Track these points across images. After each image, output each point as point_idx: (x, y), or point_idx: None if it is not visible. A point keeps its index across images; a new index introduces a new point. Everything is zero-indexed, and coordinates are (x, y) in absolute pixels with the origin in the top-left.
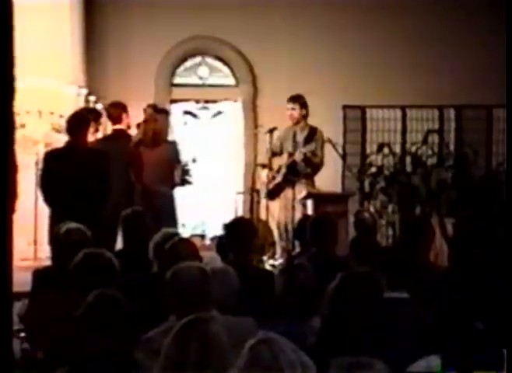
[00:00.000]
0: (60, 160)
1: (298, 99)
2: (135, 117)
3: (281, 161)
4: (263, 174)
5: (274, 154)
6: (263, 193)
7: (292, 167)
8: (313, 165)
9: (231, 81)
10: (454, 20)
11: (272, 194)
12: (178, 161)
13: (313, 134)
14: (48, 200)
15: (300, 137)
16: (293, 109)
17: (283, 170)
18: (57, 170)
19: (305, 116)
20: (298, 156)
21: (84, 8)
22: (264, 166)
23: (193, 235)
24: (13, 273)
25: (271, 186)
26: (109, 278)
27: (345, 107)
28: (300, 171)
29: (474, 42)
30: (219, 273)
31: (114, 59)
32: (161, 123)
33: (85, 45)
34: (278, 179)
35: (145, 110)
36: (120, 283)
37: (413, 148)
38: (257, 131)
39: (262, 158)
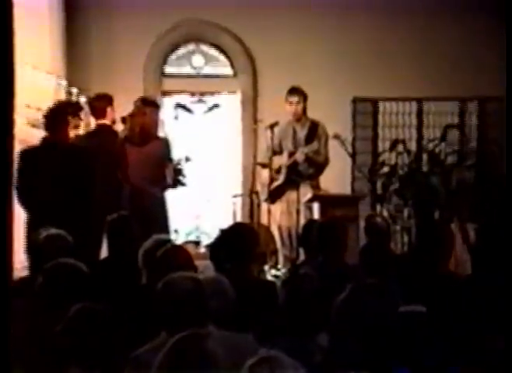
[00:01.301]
0: (37, 159)
1: (300, 91)
2: (121, 111)
3: (281, 160)
4: (263, 174)
5: (273, 152)
6: (263, 196)
7: (293, 168)
8: (317, 164)
9: (228, 71)
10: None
11: (273, 197)
12: (170, 159)
13: (314, 129)
14: (24, 203)
15: (301, 134)
16: (298, 102)
17: (284, 171)
18: (34, 170)
19: (305, 110)
20: (299, 157)
21: None
22: (264, 166)
23: (186, 242)
24: None
25: (271, 187)
26: (80, 293)
27: (354, 100)
28: (303, 172)
29: (500, 27)
30: (212, 283)
31: (98, 46)
32: (150, 117)
33: (66, 31)
34: (280, 180)
35: (135, 104)
36: (105, 295)
37: (430, 145)
38: (257, 127)
39: (262, 156)
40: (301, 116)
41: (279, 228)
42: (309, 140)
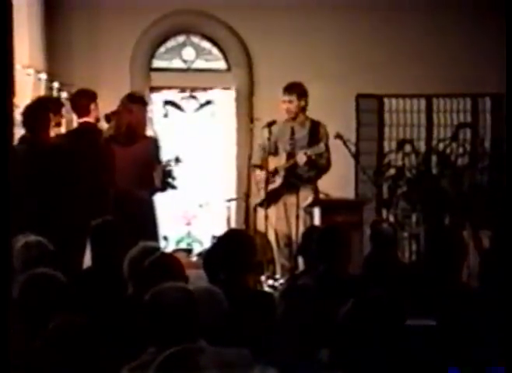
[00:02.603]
0: (15, 159)
1: (295, 89)
2: (106, 109)
3: (276, 161)
4: (258, 177)
5: (267, 153)
6: (258, 200)
7: (292, 170)
8: (319, 167)
9: (222, 65)
10: None
11: (269, 201)
12: (158, 160)
13: (316, 130)
14: None
15: (300, 134)
16: (290, 101)
17: (282, 173)
18: (11, 172)
19: (304, 109)
20: (301, 159)
21: None
22: (261, 167)
23: (177, 250)
24: None
25: (267, 191)
26: (59, 306)
27: (358, 97)
28: (302, 175)
29: None
30: (204, 295)
31: (81, 38)
32: (137, 115)
33: (46, 21)
34: (277, 183)
35: (121, 101)
36: (87, 308)
37: (441, 146)
38: (253, 126)
39: (254, 157)
40: (297, 115)
41: (276, 235)
42: (311, 141)
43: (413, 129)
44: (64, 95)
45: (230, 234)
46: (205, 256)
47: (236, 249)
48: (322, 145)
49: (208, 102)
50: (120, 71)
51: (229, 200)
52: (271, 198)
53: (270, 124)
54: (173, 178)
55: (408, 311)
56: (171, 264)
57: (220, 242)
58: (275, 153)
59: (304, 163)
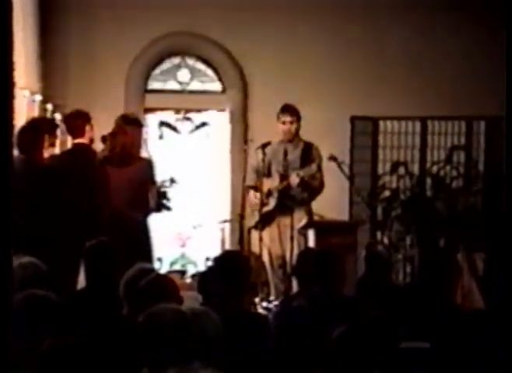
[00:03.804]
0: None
1: (294, 110)
2: (100, 130)
3: (270, 183)
4: (252, 198)
5: (259, 175)
6: (252, 222)
7: (285, 192)
8: (313, 189)
9: (217, 86)
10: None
11: (263, 223)
12: (153, 182)
13: (308, 151)
14: None
15: (292, 156)
16: (291, 122)
17: (275, 195)
18: (12, 192)
19: (298, 130)
20: (294, 180)
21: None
22: (255, 189)
23: (171, 272)
24: None
25: (261, 212)
26: (52, 327)
27: (352, 119)
28: (296, 196)
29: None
30: (198, 317)
31: (76, 59)
32: (132, 136)
33: (42, 43)
34: (271, 205)
35: (115, 122)
36: (81, 329)
37: (435, 168)
38: (248, 147)
39: (249, 179)
40: (293, 137)
41: (270, 257)
42: (304, 162)
43: (407, 151)
44: (58, 116)
45: (225, 255)
46: (200, 277)
47: (230, 271)
48: (314, 166)
49: (203, 124)
50: (115, 93)
51: (224, 222)
52: (265, 220)
53: (264, 146)
54: (168, 199)
55: (402, 334)
56: (166, 286)
57: (215, 264)
58: (269, 174)
59: (297, 184)
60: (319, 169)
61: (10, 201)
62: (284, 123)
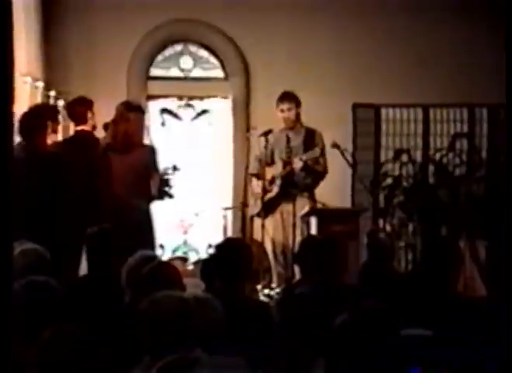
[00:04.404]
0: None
1: (292, 97)
2: (103, 117)
3: (273, 170)
4: (255, 186)
5: (262, 163)
6: (255, 209)
7: (288, 178)
8: (316, 174)
9: (219, 73)
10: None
11: (266, 210)
12: (156, 169)
13: (311, 137)
14: None
15: (296, 142)
16: (289, 109)
17: (278, 182)
18: (12, 180)
19: (299, 116)
20: (297, 164)
21: None
22: (258, 176)
23: (173, 259)
24: None
25: (264, 200)
26: (54, 314)
27: (355, 106)
28: (299, 182)
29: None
30: (200, 303)
31: (79, 46)
32: (134, 123)
33: (43, 29)
34: (274, 192)
35: (117, 109)
36: (83, 316)
37: (437, 155)
38: (250, 134)
39: (251, 167)
40: (295, 124)
41: (273, 244)
42: (307, 148)
43: (410, 138)
44: (60, 103)
45: (227, 243)
46: (202, 264)
47: (232, 258)
48: (317, 150)
49: (205, 111)
50: (117, 80)
51: (226, 209)
52: (267, 207)
53: (266, 133)
54: (170, 186)
55: (404, 322)
56: (169, 273)
57: (217, 251)
58: (272, 162)
59: (300, 169)
60: (322, 153)
61: (11, 188)
62: (282, 110)
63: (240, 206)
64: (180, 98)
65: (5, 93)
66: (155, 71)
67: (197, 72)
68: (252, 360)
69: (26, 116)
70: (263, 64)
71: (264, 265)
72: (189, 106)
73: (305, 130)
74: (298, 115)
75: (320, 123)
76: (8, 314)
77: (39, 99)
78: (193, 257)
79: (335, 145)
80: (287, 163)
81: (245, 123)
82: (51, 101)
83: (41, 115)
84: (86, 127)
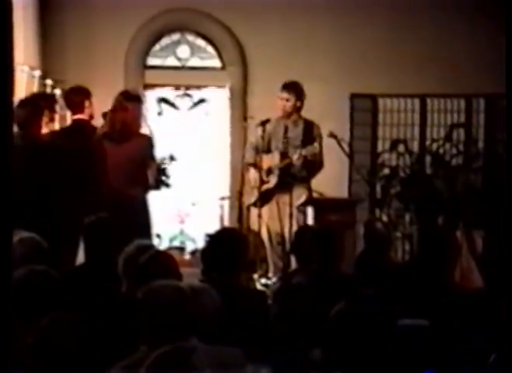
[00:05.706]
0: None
1: (293, 88)
2: (100, 106)
3: (270, 160)
4: (252, 176)
5: (258, 151)
6: (251, 199)
7: (286, 170)
8: (313, 167)
9: (216, 63)
10: None
11: (262, 200)
12: (153, 158)
13: (309, 129)
14: None
15: (293, 133)
16: (287, 100)
17: (276, 172)
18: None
19: (299, 109)
20: (296, 159)
21: None
22: (255, 166)
23: (170, 248)
24: None
25: (261, 190)
26: (52, 303)
27: (352, 96)
28: (296, 174)
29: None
30: (197, 293)
31: (76, 35)
32: (132, 112)
33: (40, 18)
34: (272, 182)
35: (115, 98)
36: (80, 305)
37: (434, 146)
38: (247, 124)
39: (248, 155)
40: (291, 114)
41: (269, 234)
42: (305, 141)
43: (407, 129)
44: (57, 92)
45: (223, 232)
46: (201, 254)
47: (229, 248)
48: (317, 145)
49: (202, 101)
50: (114, 69)
51: (223, 199)
52: (264, 197)
53: (264, 123)
54: (167, 176)
55: (400, 311)
56: (166, 262)
57: (213, 241)
58: (268, 151)
59: (300, 163)
60: (319, 147)
61: (10, 177)
62: (281, 99)
63: (237, 195)
64: (177, 87)
65: (5, 86)
66: (152, 61)
67: (194, 62)
68: (248, 349)
69: (22, 105)
70: (260, 54)
71: (260, 255)
72: (186, 95)
73: (303, 121)
74: (295, 107)
75: (317, 113)
76: (7, 303)
77: (36, 88)
78: (190, 247)
79: (332, 135)
80: (284, 154)
81: (242, 113)
82: (48, 90)
83: (37, 104)
84: (83, 116)
